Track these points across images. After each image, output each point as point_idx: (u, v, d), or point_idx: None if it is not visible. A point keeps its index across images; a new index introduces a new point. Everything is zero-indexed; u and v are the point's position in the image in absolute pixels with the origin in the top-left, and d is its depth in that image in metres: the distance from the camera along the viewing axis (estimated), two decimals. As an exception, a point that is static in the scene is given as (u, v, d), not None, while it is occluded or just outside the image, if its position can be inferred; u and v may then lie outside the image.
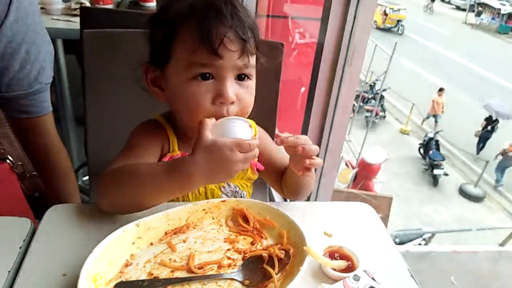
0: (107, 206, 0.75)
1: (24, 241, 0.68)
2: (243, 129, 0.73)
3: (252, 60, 0.82)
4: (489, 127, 10.69)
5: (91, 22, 1.37)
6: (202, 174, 0.68)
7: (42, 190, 1.01)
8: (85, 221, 0.74)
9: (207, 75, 0.77)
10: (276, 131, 1.22)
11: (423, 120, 11.89)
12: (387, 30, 19.65)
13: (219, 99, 0.77)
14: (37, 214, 0.79)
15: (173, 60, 0.81)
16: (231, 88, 0.78)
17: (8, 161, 0.91)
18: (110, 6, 2.12)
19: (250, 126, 0.76)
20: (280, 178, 0.99)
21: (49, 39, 0.99)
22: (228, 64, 0.77)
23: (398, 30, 19.83)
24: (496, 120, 10.69)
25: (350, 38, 1.43)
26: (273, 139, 1.16)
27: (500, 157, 9.77)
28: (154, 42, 0.85)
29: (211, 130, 0.71)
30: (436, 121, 11.54)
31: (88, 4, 2.10)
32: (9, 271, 0.63)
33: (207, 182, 0.72)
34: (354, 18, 1.40)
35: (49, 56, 0.98)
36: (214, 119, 0.74)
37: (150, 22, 0.84)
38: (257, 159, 0.95)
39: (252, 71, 0.84)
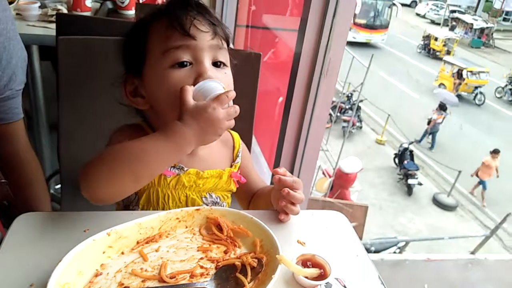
0: (98, 193, 0.70)
1: (-10, 250, 0.67)
2: (218, 88, 0.77)
3: (225, 46, 0.85)
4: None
5: (67, 29, 1.35)
6: (193, 134, 0.72)
7: (11, 198, 0.99)
8: (54, 230, 0.72)
9: (184, 63, 0.79)
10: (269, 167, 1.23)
11: (473, 189, 9.86)
12: (459, 98, 14.11)
13: (200, 79, 0.78)
14: (6, 222, 0.77)
15: (148, 58, 0.82)
16: (211, 69, 0.80)
17: (-24, 169, 0.89)
18: (88, 13, 2.10)
19: (223, 87, 0.79)
20: (249, 197, 1.01)
21: (22, 45, 0.98)
22: (202, 44, 0.80)
23: (475, 99, 14.53)
24: (445, 108, 11.73)
25: (326, 49, 1.46)
26: (249, 149, 1.18)
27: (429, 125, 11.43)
28: (128, 51, 0.86)
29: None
30: (484, 188, 9.69)
31: (65, 11, 2.07)
32: (-27, 282, 0.61)
33: (199, 142, 0.74)
34: (330, 30, 1.43)
35: (22, 62, 0.97)
36: (193, 86, 0.76)
37: (124, 37, 0.87)
38: (239, 172, 0.97)
39: (227, 57, 0.86)
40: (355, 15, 18.07)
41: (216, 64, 0.83)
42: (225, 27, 0.86)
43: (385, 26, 19.45)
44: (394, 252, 6.70)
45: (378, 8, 19.21)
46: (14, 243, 0.69)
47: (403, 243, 6.93)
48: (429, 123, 11.54)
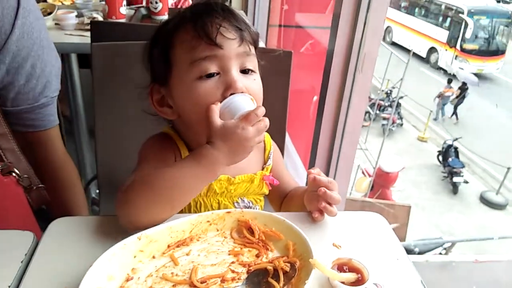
0: (137, 223, 0.70)
1: (26, 254, 0.68)
2: (246, 103, 0.75)
3: (253, 50, 0.82)
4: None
5: (102, 36, 1.38)
6: (224, 156, 0.71)
7: (49, 202, 1.01)
8: (88, 234, 0.73)
9: (212, 73, 0.77)
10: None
11: None
12: None
13: (229, 90, 0.76)
14: (45, 227, 0.78)
15: (174, 69, 0.81)
16: (239, 79, 0.78)
17: (14, 174, 0.91)
18: (123, 20, 2.14)
19: (252, 99, 0.77)
20: (281, 199, 0.99)
21: (56, 53, 0.99)
22: (229, 53, 0.77)
23: None
24: (467, 88, 12.21)
25: (360, 45, 1.42)
26: (282, 149, 1.15)
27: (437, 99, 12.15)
28: (153, 60, 0.85)
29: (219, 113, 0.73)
30: None
31: (100, 19, 2.13)
32: (9, 286, 0.62)
33: (230, 162, 0.73)
34: (364, 24, 1.38)
35: (56, 70, 0.98)
36: (219, 103, 0.74)
37: (148, 44, 0.86)
38: (271, 174, 0.94)
39: (255, 62, 0.83)
40: (463, 39, 14.28)
41: (244, 71, 0.80)
42: (252, 30, 0.83)
43: (501, 52, 14.70)
44: (440, 253, 6.46)
45: (494, 30, 14.64)
46: (49, 247, 0.70)
47: (449, 244, 6.67)
48: (439, 96, 11.97)
